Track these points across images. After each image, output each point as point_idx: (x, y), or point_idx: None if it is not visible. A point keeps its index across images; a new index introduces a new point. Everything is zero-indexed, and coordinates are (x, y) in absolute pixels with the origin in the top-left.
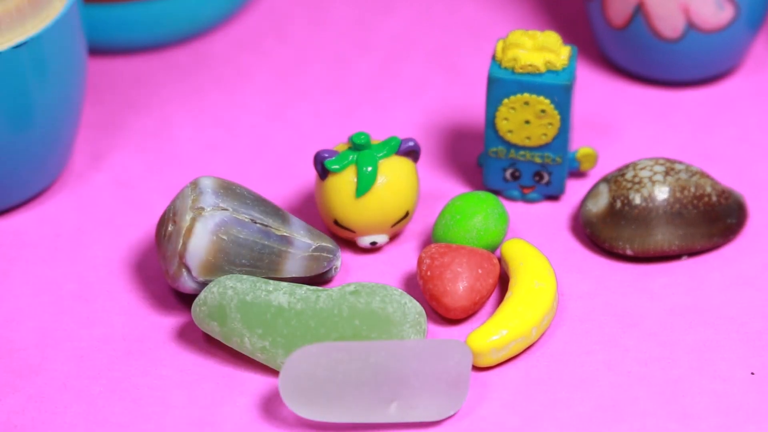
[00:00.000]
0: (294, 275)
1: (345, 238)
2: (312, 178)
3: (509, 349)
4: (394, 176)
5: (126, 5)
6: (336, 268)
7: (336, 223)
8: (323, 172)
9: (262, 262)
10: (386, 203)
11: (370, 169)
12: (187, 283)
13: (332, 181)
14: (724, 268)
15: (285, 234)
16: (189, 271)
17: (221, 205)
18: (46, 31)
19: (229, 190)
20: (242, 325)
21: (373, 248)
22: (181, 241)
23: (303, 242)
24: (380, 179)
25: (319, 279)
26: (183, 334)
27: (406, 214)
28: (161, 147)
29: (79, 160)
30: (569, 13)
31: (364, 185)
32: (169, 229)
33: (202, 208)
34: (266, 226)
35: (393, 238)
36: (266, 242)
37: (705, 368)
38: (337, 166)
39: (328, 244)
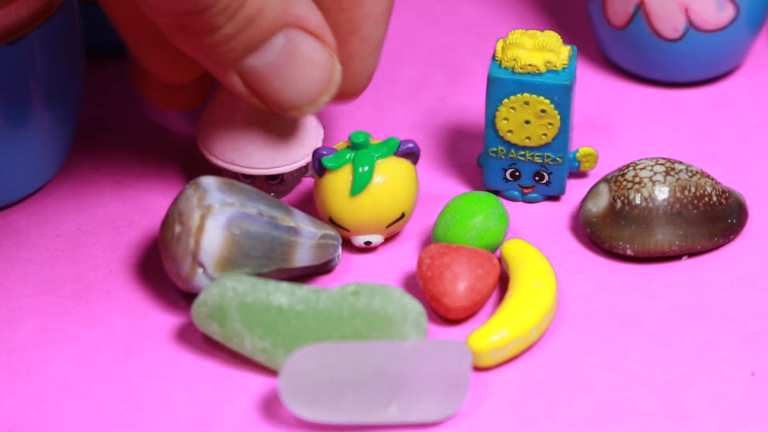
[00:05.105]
0: (305, 264)
1: (341, 237)
2: (311, 178)
3: (509, 349)
4: (391, 177)
5: None
6: (338, 256)
7: (330, 221)
8: (320, 170)
9: (275, 253)
10: (381, 203)
11: (365, 168)
12: (201, 282)
13: (328, 179)
14: (724, 268)
15: (291, 224)
16: (204, 269)
17: (228, 200)
18: (43, 27)
19: (232, 185)
20: (242, 326)
21: (369, 248)
22: (192, 240)
23: (309, 231)
24: (376, 179)
25: (324, 268)
26: (183, 334)
27: (402, 216)
28: (161, 147)
29: (79, 160)
30: (569, 13)
31: (358, 184)
32: (176, 230)
33: (210, 206)
34: (273, 217)
35: (392, 238)
36: (276, 233)
37: (705, 368)
38: (333, 164)
39: (330, 231)
